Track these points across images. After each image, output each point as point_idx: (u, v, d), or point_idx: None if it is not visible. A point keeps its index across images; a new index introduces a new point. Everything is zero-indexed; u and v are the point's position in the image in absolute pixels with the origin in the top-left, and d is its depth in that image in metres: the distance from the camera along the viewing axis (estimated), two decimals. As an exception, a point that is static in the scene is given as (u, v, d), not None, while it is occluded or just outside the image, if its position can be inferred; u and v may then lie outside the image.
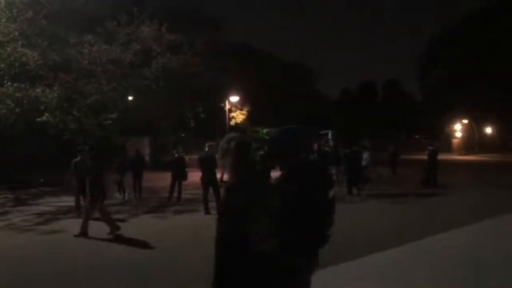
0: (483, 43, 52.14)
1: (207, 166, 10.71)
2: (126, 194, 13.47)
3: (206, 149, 11.08)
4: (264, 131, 40.17)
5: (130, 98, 18.23)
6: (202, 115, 24.76)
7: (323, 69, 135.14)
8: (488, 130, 57.17)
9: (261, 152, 10.35)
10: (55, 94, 13.98)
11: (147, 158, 21.84)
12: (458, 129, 56.90)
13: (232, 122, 31.35)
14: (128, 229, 8.27)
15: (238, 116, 33.36)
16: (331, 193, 2.60)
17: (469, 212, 10.17)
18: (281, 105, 40.86)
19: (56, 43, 14.66)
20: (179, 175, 12.94)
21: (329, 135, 44.49)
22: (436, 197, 13.28)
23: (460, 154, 51.16)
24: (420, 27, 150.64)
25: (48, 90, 13.93)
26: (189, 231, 8.66)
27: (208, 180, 10.63)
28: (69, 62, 14.96)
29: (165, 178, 14.38)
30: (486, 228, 8.38)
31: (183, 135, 29.86)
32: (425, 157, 17.12)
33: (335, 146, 19.23)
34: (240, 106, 32.61)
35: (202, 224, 9.26)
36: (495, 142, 57.85)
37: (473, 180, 19.54)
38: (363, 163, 15.79)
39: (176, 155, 13.80)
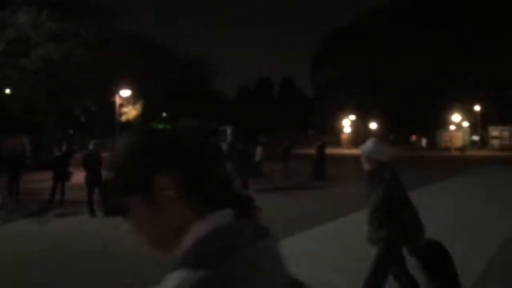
0: (368, 44, 56.45)
1: (92, 165, 10.07)
2: (0, 198, 12.13)
3: (91, 146, 10.40)
4: (161, 127, 38.93)
5: (7, 91, 16.46)
6: (94, 108, 23.23)
7: (220, 66, 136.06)
8: (373, 125, 62.08)
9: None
10: None
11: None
12: (346, 124, 61.07)
13: (124, 118, 29.67)
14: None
15: (130, 112, 31.76)
16: None
17: (354, 202, 10.85)
18: (178, 101, 40.10)
19: None
20: (62, 175, 11.97)
21: (228, 131, 44.77)
22: (323, 189, 14.00)
23: (348, 148, 54.97)
24: (318, 26, 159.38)
25: None
26: (69, 235, 8.03)
27: (93, 180, 10.00)
28: None
29: (47, 179, 13.20)
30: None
31: (71, 131, 27.79)
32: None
33: (232, 142, 19.33)
34: (132, 101, 30.94)
35: (85, 227, 8.69)
36: (379, 137, 63.14)
37: (356, 173, 21.04)
38: (257, 158, 16.12)
39: (58, 153, 12.72)
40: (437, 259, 3.30)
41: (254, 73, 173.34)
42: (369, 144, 3.76)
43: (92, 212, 9.81)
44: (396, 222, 3.47)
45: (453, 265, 3.32)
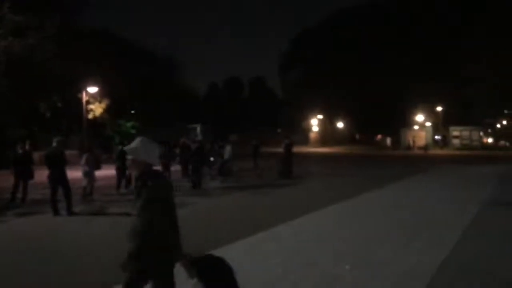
0: (336, 44, 57.23)
1: (55, 163, 9.84)
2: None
3: (54, 144, 10.15)
4: (129, 124, 38.34)
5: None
6: (59, 105, 22.52)
7: (190, 64, 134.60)
8: (340, 125, 63.03)
9: (120, 148, 9.85)
10: None
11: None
12: (314, 123, 61.72)
13: (91, 115, 28.75)
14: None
15: (97, 109, 30.95)
16: None
17: (316, 201, 11.09)
18: (147, 98, 39.48)
19: None
20: (24, 174, 11.67)
21: (198, 129, 44.45)
22: (288, 187, 14.18)
23: (316, 147, 55.63)
24: (289, 26, 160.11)
25: None
26: (31, 235, 7.87)
27: (57, 178, 9.78)
28: None
29: (10, 178, 12.82)
30: (328, 214, 9.25)
31: (36, 129, 26.86)
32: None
33: (201, 141, 19.29)
34: (99, 97, 30.00)
35: (48, 227, 8.52)
36: (346, 136, 64.29)
37: (323, 171, 21.41)
38: (225, 156, 16.18)
39: (20, 151, 12.37)
40: (215, 276, 2.81)
41: (225, 72, 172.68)
42: (134, 144, 3.12)
43: (56, 211, 9.60)
44: (159, 242, 2.88)
45: (234, 280, 2.85)
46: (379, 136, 61.77)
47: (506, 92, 47.87)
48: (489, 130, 61.29)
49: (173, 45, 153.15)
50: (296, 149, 19.99)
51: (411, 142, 51.07)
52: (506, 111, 58.16)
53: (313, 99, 56.97)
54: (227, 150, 16.68)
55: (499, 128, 62.02)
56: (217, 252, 6.14)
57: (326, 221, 8.57)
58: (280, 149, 18.76)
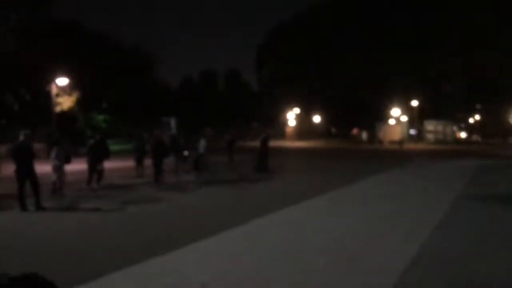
0: (312, 38, 57.39)
1: (23, 157, 9.48)
2: None
3: (21, 137, 9.77)
4: (100, 118, 37.50)
5: None
6: (28, 98, 21.75)
7: (163, 55, 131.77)
8: (316, 119, 63.24)
9: (91, 141, 9.48)
10: None
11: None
12: (291, 117, 61.78)
13: (59, 108, 27.63)
14: None
15: (65, 102, 29.71)
16: None
17: (291, 196, 11.04)
18: (118, 91, 38.65)
19: None
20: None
21: (171, 123, 44.05)
22: (264, 182, 14.11)
23: (292, 141, 55.74)
24: (264, 19, 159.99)
25: None
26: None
27: (24, 172, 9.43)
28: None
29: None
30: (303, 208, 9.21)
31: (2, 121, 25.95)
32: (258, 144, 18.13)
33: (174, 134, 19.03)
34: (69, 90, 28.94)
35: (15, 223, 8.21)
36: (322, 130, 64.70)
37: (299, 166, 21.47)
38: (200, 150, 15.97)
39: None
40: None
41: (199, 66, 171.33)
42: None
43: (23, 207, 9.26)
44: None
45: None
46: (355, 130, 62.31)
47: (478, 87, 49.07)
48: (462, 125, 62.79)
49: (147, 38, 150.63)
50: (273, 143, 19.92)
51: (381, 137, 51.55)
52: (478, 106, 59.69)
53: (289, 93, 57.05)
54: (202, 144, 16.43)
55: (471, 123, 63.59)
56: (192, 246, 6.01)
57: (300, 215, 8.54)
58: (257, 143, 18.64)
